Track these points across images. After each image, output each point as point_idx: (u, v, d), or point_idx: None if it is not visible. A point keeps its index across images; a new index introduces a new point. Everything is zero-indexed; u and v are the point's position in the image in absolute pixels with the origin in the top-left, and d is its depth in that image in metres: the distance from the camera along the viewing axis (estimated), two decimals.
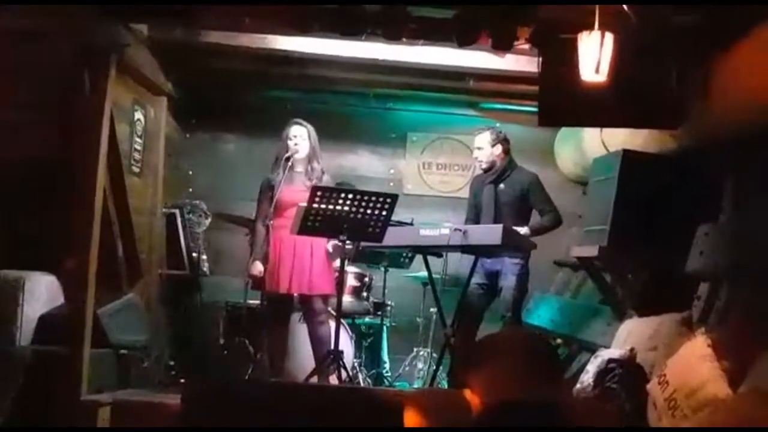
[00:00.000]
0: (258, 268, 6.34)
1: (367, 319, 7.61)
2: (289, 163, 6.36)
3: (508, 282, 6.63)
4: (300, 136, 6.46)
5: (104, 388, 5.85)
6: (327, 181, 6.52)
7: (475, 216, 6.99)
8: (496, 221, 6.54)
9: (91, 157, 5.78)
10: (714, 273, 5.27)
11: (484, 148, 6.84)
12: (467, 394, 2.48)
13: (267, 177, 6.51)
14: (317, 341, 6.39)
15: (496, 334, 2.92)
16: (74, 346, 5.61)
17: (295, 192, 6.28)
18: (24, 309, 5.76)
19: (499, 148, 6.83)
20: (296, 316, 6.74)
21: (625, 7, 4.66)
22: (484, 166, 6.88)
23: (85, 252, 5.71)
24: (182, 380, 6.71)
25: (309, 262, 6.32)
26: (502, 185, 6.80)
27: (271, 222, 6.30)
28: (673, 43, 5.22)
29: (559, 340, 7.33)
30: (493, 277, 6.72)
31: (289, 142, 6.44)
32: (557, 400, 2.40)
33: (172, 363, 7.31)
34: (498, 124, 8.11)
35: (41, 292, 5.92)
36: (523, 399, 2.34)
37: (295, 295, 6.47)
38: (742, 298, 4.95)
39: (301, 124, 6.50)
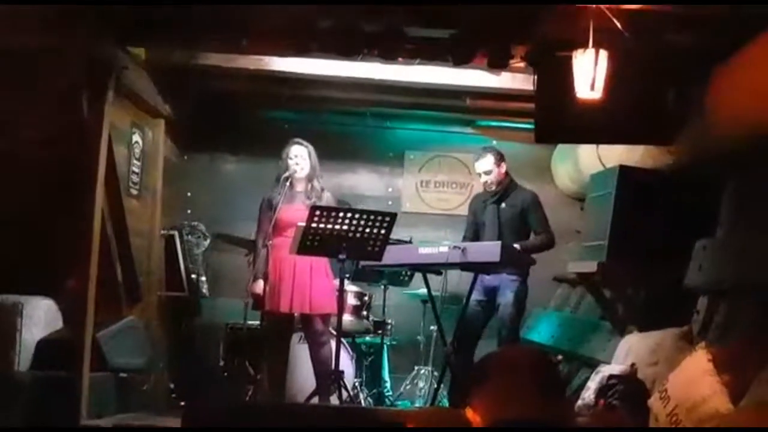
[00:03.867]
0: (259, 286, 6.33)
1: (367, 338, 7.60)
2: (289, 183, 6.37)
3: (506, 298, 6.63)
4: (300, 156, 6.46)
5: (104, 412, 5.84)
6: (328, 198, 6.52)
7: (473, 234, 7.00)
8: (499, 239, 6.54)
9: (89, 180, 5.79)
10: (713, 287, 5.28)
11: (492, 171, 6.84)
12: (468, 412, 2.48)
13: (267, 196, 6.51)
14: (318, 361, 6.37)
15: (496, 351, 2.91)
16: (74, 370, 5.59)
17: (295, 211, 6.28)
18: (23, 333, 5.75)
19: (503, 167, 6.86)
20: (296, 337, 6.73)
21: (618, 25, 4.68)
22: (494, 187, 6.88)
23: (84, 275, 5.70)
24: (182, 403, 6.70)
25: (309, 280, 6.31)
26: (503, 204, 6.82)
27: (271, 241, 6.30)
28: (668, 60, 5.25)
29: (560, 357, 7.32)
30: (492, 293, 6.72)
31: (290, 162, 6.44)
32: (559, 417, 2.40)
33: (172, 386, 7.31)
34: (495, 142, 8.17)
35: (40, 317, 5.91)
36: (524, 417, 2.34)
37: (296, 314, 6.46)
38: (742, 312, 4.95)
39: (301, 143, 6.51)
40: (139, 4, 5.27)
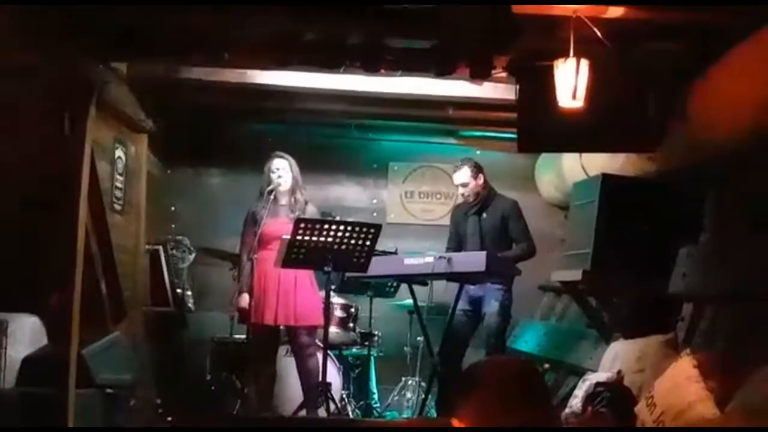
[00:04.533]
0: (245, 300, 6.33)
1: (354, 350, 7.60)
2: (272, 196, 6.37)
3: (491, 308, 6.66)
4: (282, 169, 6.47)
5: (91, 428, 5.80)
6: (311, 211, 6.53)
7: (456, 245, 7.04)
8: (481, 250, 6.56)
9: (72, 196, 5.76)
10: (697, 294, 5.30)
11: (469, 183, 6.89)
12: (454, 422, 2.48)
13: (251, 210, 6.52)
14: (305, 374, 6.37)
15: (482, 361, 2.92)
16: (60, 387, 5.55)
17: (279, 224, 6.29)
18: (7, 351, 5.70)
19: (480, 178, 6.90)
20: (283, 349, 6.72)
21: (599, 33, 4.71)
22: (471, 199, 6.92)
23: (69, 291, 5.67)
24: (169, 418, 6.67)
25: (293, 293, 6.31)
26: (484, 214, 6.86)
27: (256, 255, 6.30)
28: (648, 68, 5.28)
29: (546, 365, 7.33)
30: (477, 303, 6.75)
31: (272, 175, 6.45)
32: (545, 426, 2.41)
33: (159, 401, 7.27)
34: (478, 152, 8.21)
35: (24, 334, 5.87)
36: (510, 426, 2.34)
37: (282, 327, 6.45)
38: (726, 318, 4.97)
39: (282, 156, 6.52)
40: (120, 18, 5.25)
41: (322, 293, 6.22)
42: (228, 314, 6.95)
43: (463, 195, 6.98)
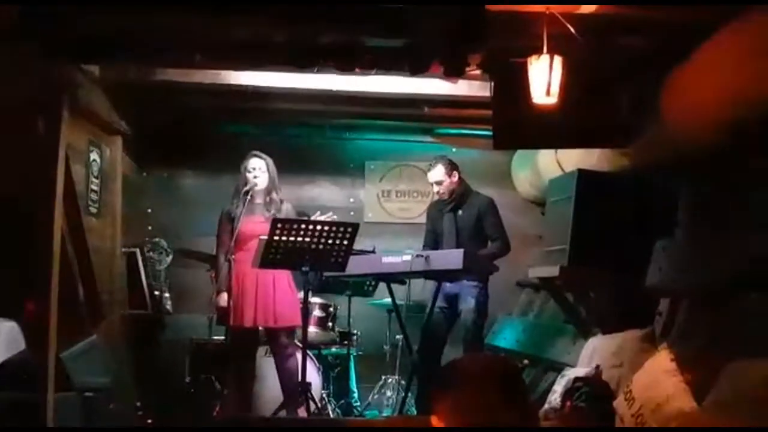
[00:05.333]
0: (224, 299, 6.30)
1: (333, 349, 7.60)
2: (248, 196, 6.35)
3: (467, 305, 6.69)
4: (259, 168, 6.45)
5: None
6: (288, 210, 6.51)
7: (433, 242, 7.07)
8: (457, 247, 6.58)
9: (47, 200, 5.73)
10: (673, 288, 5.33)
11: (444, 181, 6.92)
12: (433, 420, 2.48)
13: (225, 209, 6.50)
14: (285, 374, 6.37)
15: (459, 358, 2.92)
16: (38, 391, 5.53)
17: (255, 224, 6.27)
18: None
19: (455, 176, 6.93)
20: (263, 350, 6.71)
21: (572, 29, 4.72)
22: (446, 197, 6.94)
23: (45, 296, 5.64)
24: (149, 421, 6.65)
25: (272, 294, 6.30)
26: (460, 211, 6.89)
27: (233, 256, 6.29)
28: (622, 64, 5.31)
29: (525, 361, 7.35)
30: (453, 300, 6.78)
31: (248, 175, 6.43)
32: (523, 424, 2.42)
33: (138, 404, 7.24)
34: (454, 150, 8.22)
35: (2, 339, 5.82)
36: (487, 423, 2.35)
37: (261, 328, 6.44)
38: (701, 311, 5.00)
39: (259, 156, 6.50)
40: (90, 19, 5.22)
41: (301, 293, 6.21)
42: (206, 315, 6.92)
43: (437, 193, 7.01)
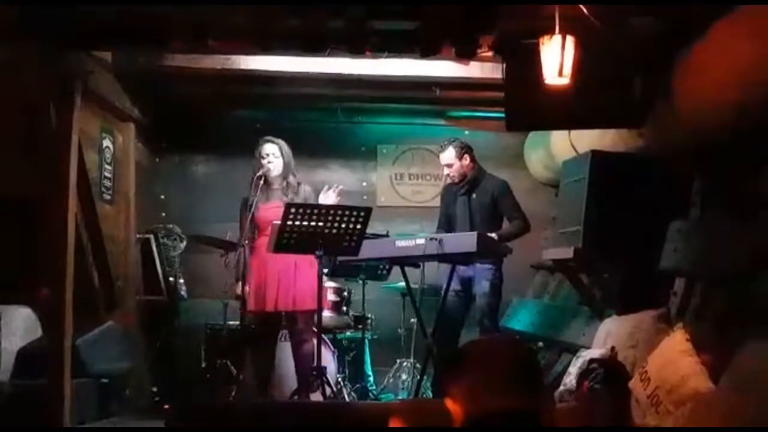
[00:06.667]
0: (240, 287, 6.32)
1: (348, 334, 7.61)
2: (261, 182, 6.34)
3: (481, 288, 6.67)
4: (272, 154, 6.44)
5: (87, 418, 5.81)
6: (306, 192, 6.50)
7: (446, 225, 7.04)
8: (471, 230, 6.56)
9: (61, 188, 5.76)
10: (688, 269, 5.31)
11: (453, 164, 6.88)
12: (448, 403, 2.48)
13: (245, 196, 6.48)
14: (301, 358, 6.37)
15: (474, 341, 2.91)
16: (54, 378, 5.57)
17: (273, 209, 6.24)
18: (2, 343, 5.72)
19: (466, 159, 6.88)
20: (279, 334, 6.72)
21: (584, 10, 4.69)
22: (457, 179, 6.91)
23: (61, 282, 5.68)
24: (166, 406, 6.68)
25: (293, 278, 6.29)
26: (474, 194, 6.86)
27: (250, 242, 6.28)
28: (635, 44, 5.27)
29: (540, 344, 7.35)
30: (468, 283, 6.76)
31: (263, 161, 6.42)
32: (538, 407, 2.41)
33: (154, 389, 7.28)
34: (467, 132, 8.20)
35: (18, 326, 5.88)
36: (503, 407, 2.35)
37: (282, 313, 6.43)
38: (716, 291, 4.98)
39: (272, 141, 6.48)
40: (102, 6, 5.21)
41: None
42: (221, 301, 6.94)
43: (448, 176, 6.97)
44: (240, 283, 6.34)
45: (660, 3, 4.90)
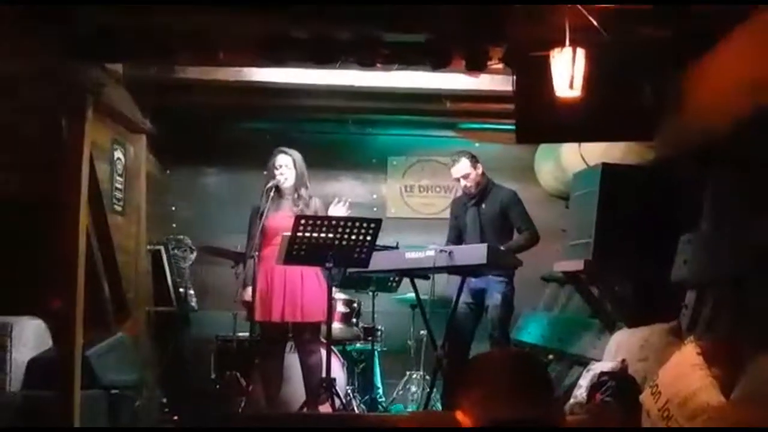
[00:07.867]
0: (248, 293, 6.32)
1: (357, 345, 7.60)
2: (272, 193, 6.35)
3: (493, 300, 6.66)
4: (285, 165, 6.45)
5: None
6: (317, 204, 6.50)
7: (456, 237, 7.04)
8: (481, 241, 6.55)
9: (72, 199, 5.77)
10: (698, 281, 5.29)
11: (470, 173, 6.87)
12: (458, 415, 2.48)
13: (255, 205, 6.49)
14: (309, 370, 6.36)
15: (485, 353, 2.92)
16: (65, 389, 5.57)
17: (283, 219, 6.23)
18: (12, 354, 5.74)
19: (479, 168, 6.90)
20: (287, 346, 6.71)
21: (594, 22, 4.69)
22: (473, 190, 6.90)
23: (71, 293, 5.68)
24: (175, 417, 6.68)
25: (300, 289, 6.28)
26: (484, 205, 6.86)
27: (259, 252, 6.29)
28: (645, 56, 5.27)
29: (550, 356, 7.34)
30: (479, 295, 6.75)
31: (276, 172, 6.42)
32: (548, 419, 2.41)
33: (164, 400, 7.28)
34: (477, 144, 8.20)
35: (29, 337, 5.89)
36: (513, 419, 2.34)
37: (289, 323, 6.43)
38: (727, 304, 4.96)
39: (286, 152, 6.49)
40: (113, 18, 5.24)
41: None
42: (231, 312, 6.94)
43: (465, 187, 6.95)
44: (249, 288, 6.33)
45: (668, 12, 4.89)
